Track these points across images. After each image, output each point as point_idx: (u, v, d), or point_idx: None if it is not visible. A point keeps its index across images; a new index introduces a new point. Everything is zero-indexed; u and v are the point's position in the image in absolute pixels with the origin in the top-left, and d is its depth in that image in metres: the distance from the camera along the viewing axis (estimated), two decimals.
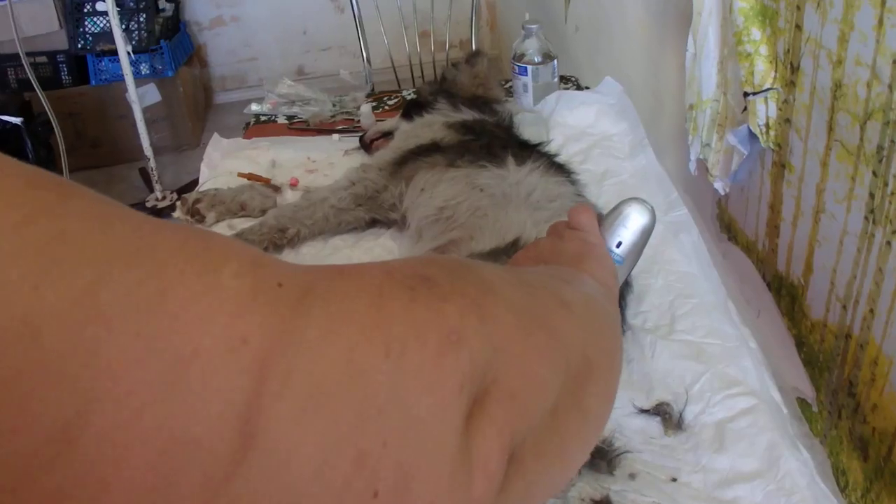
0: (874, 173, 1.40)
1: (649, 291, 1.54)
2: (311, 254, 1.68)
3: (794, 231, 1.76)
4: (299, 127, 2.22)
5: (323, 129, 2.17)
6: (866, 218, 1.46)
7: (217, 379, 0.38)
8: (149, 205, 4.30)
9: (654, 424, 1.33)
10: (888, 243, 1.39)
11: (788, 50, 1.63)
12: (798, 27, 1.57)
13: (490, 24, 5.26)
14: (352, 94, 2.29)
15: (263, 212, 1.79)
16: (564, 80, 2.24)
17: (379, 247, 1.71)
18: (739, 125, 1.86)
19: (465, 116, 1.87)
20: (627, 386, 1.38)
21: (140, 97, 4.14)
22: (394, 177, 1.73)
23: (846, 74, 1.43)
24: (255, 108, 2.29)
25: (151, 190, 4.33)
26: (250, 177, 1.87)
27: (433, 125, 1.82)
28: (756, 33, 1.72)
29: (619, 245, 0.98)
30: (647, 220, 1.00)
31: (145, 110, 4.22)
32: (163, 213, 4.28)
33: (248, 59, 5.48)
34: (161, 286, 0.39)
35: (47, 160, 3.76)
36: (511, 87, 2.21)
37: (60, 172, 3.62)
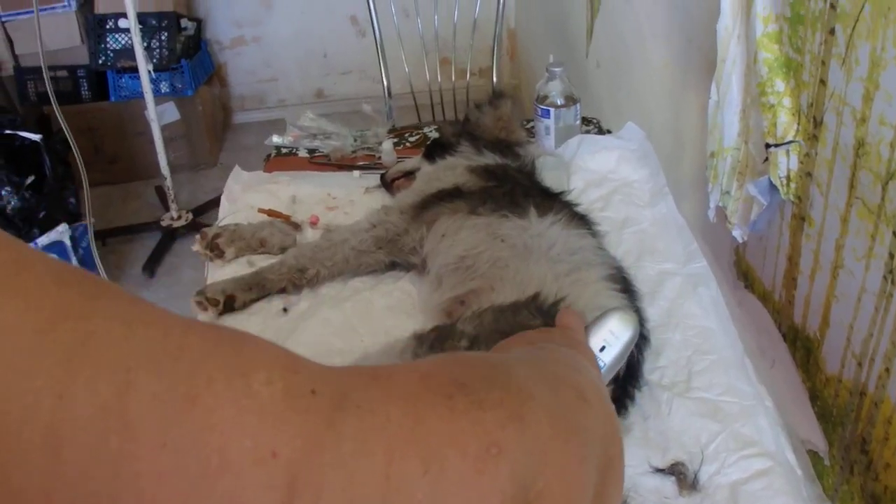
0: (894, 234, 1.40)
1: (667, 346, 1.53)
2: (331, 295, 1.68)
3: (812, 285, 1.75)
4: (320, 161, 2.21)
5: (344, 165, 2.16)
6: (885, 277, 1.45)
7: (245, 494, 0.37)
8: (164, 223, 4.31)
9: (668, 484, 1.33)
10: None
11: (812, 104, 1.63)
12: (822, 82, 1.58)
13: (510, 52, 5.28)
14: (373, 129, 2.29)
15: (283, 249, 1.79)
16: (586, 121, 2.24)
17: (398, 290, 1.70)
18: (760, 176, 1.86)
19: (488, 160, 1.87)
20: (643, 444, 1.37)
21: (159, 115, 4.15)
22: (415, 220, 1.72)
23: (870, 133, 1.43)
24: (276, 139, 2.29)
25: (167, 209, 4.33)
26: (271, 213, 1.87)
27: (456, 168, 1.82)
28: (780, 85, 1.72)
29: (602, 349, 1.01)
30: (631, 332, 1.03)
31: (164, 128, 4.23)
32: (177, 231, 4.29)
33: (267, 79, 5.48)
34: (189, 393, 0.38)
35: (65, 176, 3.77)
36: (533, 127, 2.21)
37: (79, 188, 3.64)
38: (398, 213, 1.74)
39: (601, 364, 1.00)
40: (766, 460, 1.36)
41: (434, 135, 2.35)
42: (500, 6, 3.55)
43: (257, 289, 1.66)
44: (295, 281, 1.68)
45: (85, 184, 3.45)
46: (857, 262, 1.55)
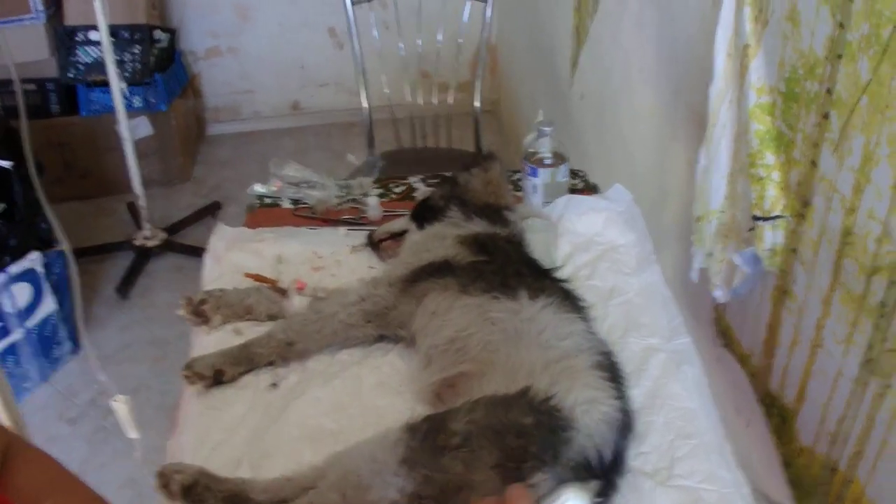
0: (875, 326, 1.42)
1: (650, 430, 1.55)
2: (319, 370, 1.68)
3: (791, 357, 1.78)
4: (304, 214, 2.20)
5: (328, 219, 2.15)
6: (862, 365, 1.48)
7: None
8: (137, 243, 4.28)
9: None
10: (881, 394, 1.42)
11: (801, 182, 1.65)
12: (814, 164, 1.60)
13: (491, 67, 5.26)
14: (358, 180, 2.29)
15: (270, 316, 1.79)
16: (573, 174, 2.25)
17: (387, 365, 1.71)
18: (745, 243, 1.87)
19: (477, 228, 1.87)
20: None
21: (131, 130, 4.11)
22: (404, 294, 1.73)
23: (857, 224, 1.45)
24: (258, 189, 2.28)
25: (140, 226, 4.29)
26: (257, 278, 1.86)
27: (445, 239, 1.82)
28: (770, 158, 1.74)
29: None
30: None
31: (136, 143, 4.18)
32: (151, 251, 4.26)
33: (243, 91, 5.44)
34: None
35: (36, 202, 3.70)
36: (519, 182, 2.22)
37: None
38: (387, 286, 1.74)
39: None
40: None
41: (419, 186, 2.35)
42: (486, 21, 3.55)
43: (246, 363, 1.66)
44: (283, 354, 1.69)
45: (44, 202, 3.33)
46: (836, 344, 1.58)
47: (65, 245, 3.19)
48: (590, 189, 2.36)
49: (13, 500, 0.87)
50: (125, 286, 4.11)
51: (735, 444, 1.73)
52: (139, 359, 3.75)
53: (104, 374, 2.29)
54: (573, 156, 2.21)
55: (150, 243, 4.27)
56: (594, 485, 1.37)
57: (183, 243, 4.35)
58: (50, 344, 3.62)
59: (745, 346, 2.05)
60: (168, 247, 4.29)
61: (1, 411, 1.89)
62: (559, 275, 1.83)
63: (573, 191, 2.22)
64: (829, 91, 1.52)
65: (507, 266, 1.73)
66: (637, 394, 1.63)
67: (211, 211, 4.59)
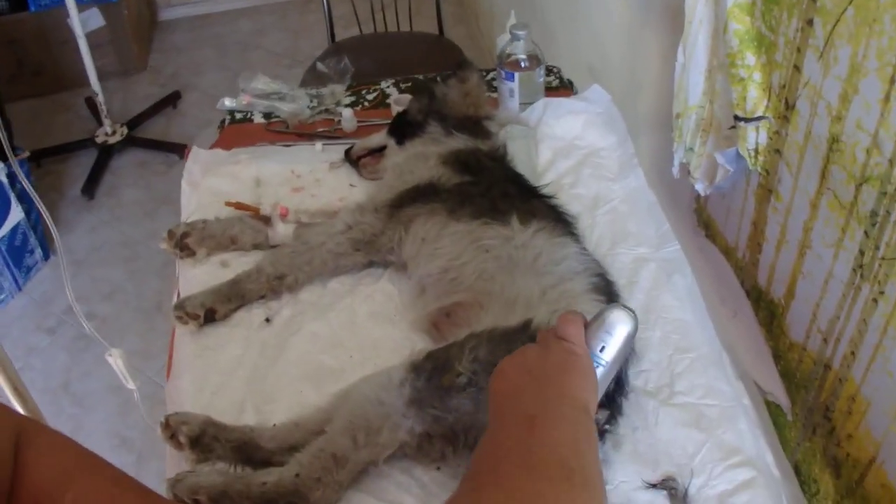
0: (866, 233, 1.43)
1: (648, 346, 1.57)
2: (311, 301, 1.67)
3: (778, 255, 1.79)
4: (278, 129, 2.15)
5: (303, 133, 2.10)
6: (854, 270, 1.49)
7: None
8: (99, 140, 4.19)
9: (660, 499, 1.39)
10: (874, 300, 1.43)
11: (785, 85, 1.63)
12: (797, 68, 1.57)
13: None
14: (330, 88, 2.22)
15: (255, 245, 1.77)
16: (547, 71, 2.20)
17: (379, 292, 1.70)
18: (725, 139, 1.86)
19: (459, 144, 1.84)
20: (634, 458, 1.42)
21: (83, 23, 3.97)
22: (391, 220, 1.71)
23: (845, 133, 1.44)
24: (228, 103, 2.21)
25: (100, 122, 4.19)
26: (238, 206, 1.82)
27: (428, 159, 1.79)
28: (751, 58, 1.71)
29: (602, 349, 1.06)
30: (630, 328, 1.08)
31: (88, 36, 4.05)
32: (113, 148, 4.17)
33: None
34: None
35: None
36: (494, 82, 2.17)
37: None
38: (373, 212, 1.72)
39: (602, 364, 1.05)
40: (750, 470, 1.42)
41: (392, 92, 2.29)
42: None
43: (237, 299, 1.65)
44: (274, 288, 1.67)
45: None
46: (825, 248, 1.58)
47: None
48: (565, 87, 2.32)
49: (35, 492, 0.83)
50: (90, 186, 4.05)
51: (723, 335, 1.77)
52: (111, 261, 3.72)
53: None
54: (543, 49, 2.16)
55: (112, 140, 4.19)
56: (602, 415, 1.39)
57: (145, 137, 4.27)
58: (21, 253, 3.58)
59: (730, 240, 2.05)
60: (130, 142, 4.21)
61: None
62: (545, 191, 1.81)
63: (548, 89, 2.18)
64: None
65: (494, 187, 1.71)
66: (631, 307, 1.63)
67: (171, 101, 4.49)
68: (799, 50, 1.55)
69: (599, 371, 1.05)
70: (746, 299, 2.00)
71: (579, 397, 0.97)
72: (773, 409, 1.88)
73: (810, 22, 1.50)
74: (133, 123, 4.28)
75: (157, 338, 3.34)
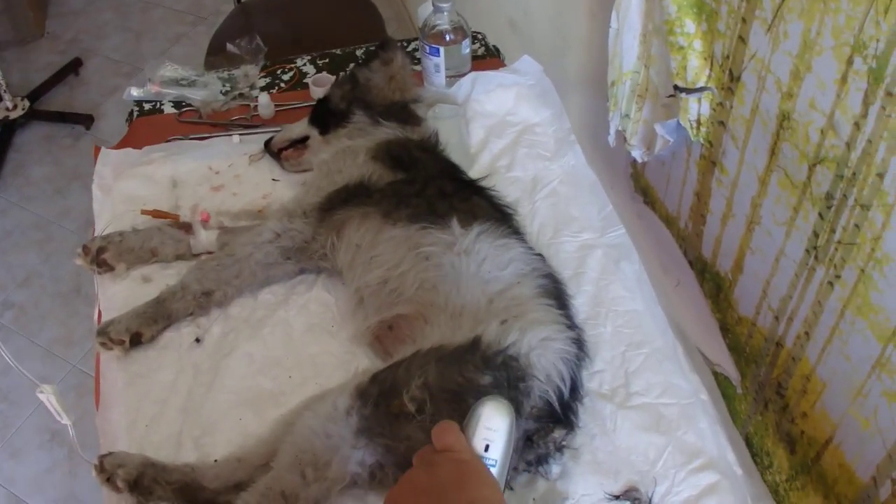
0: (821, 215, 1.39)
1: (601, 343, 1.52)
2: (242, 317, 1.58)
3: (724, 228, 1.75)
4: (191, 120, 2.02)
5: (219, 123, 1.98)
6: (808, 251, 1.46)
7: None
8: None
9: None
10: (830, 283, 1.40)
11: (728, 56, 1.57)
12: (742, 40, 1.52)
13: None
14: (242, 69, 2.10)
15: (178, 256, 1.66)
16: (472, 38, 2.11)
17: (314, 301, 1.60)
18: (668, 115, 1.81)
19: (388, 134, 1.74)
20: (594, 468, 1.38)
21: None
22: (322, 224, 1.61)
23: (797, 111, 1.39)
24: (135, 93, 2.06)
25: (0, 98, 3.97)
26: (156, 214, 1.70)
27: (357, 155, 1.68)
28: (690, 26, 1.65)
29: (487, 448, 1.05)
30: (509, 419, 1.07)
31: None
32: (15, 123, 3.96)
33: None
34: None
35: None
36: (416, 54, 2.08)
37: None
38: (302, 217, 1.62)
39: (491, 463, 1.04)
40: (713, 473, 1.39)
41: (309, 70, 2.18)
42: None
43: (163, 320, 1.54)
44: (202, 305, 1.57)
45: None
46: (776, 225, 1.54)
47: None
48: (492, 55, 2.23)
49: None
50: None
51: (666, 305, 1.73)
52: (24, 245, 3.54)
53: None
54: (463, 10, 2.06)
55: (14, 115, 3.96)
56: (559, 433, 1.34)
57: (48, 110, 4.05)
58: None
59: (671, 209, 2.01)
60: (33, 115, 3.99)
61: None
62: (482, 181, 1.73)
63: (475, 59, 2.09)
64: None
65: (430, 184, 1.61)
66: (581, 302, 1.58)
67: (72, 69, 4.27)
68: (744, 20, 1.49)
69: (494, 470, 1.03)
70: (690, 269, 1.96)
71: (485, 499, 0.95)
72: (721, 381, 1.85)
73: None
74: (34, 95, 4.05)
75: (78, 323, 3.22)
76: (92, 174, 1.86)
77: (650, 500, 1.34)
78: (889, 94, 1.16)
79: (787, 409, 1.62)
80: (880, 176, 1.21)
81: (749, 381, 1.78)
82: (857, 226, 1.30)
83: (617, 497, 1.35)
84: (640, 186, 2.17)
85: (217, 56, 2.30)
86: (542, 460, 1.33)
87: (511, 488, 1.34)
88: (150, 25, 4.59)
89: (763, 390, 1.71)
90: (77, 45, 4.48)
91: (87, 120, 3.98)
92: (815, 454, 1.53)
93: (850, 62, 1.23)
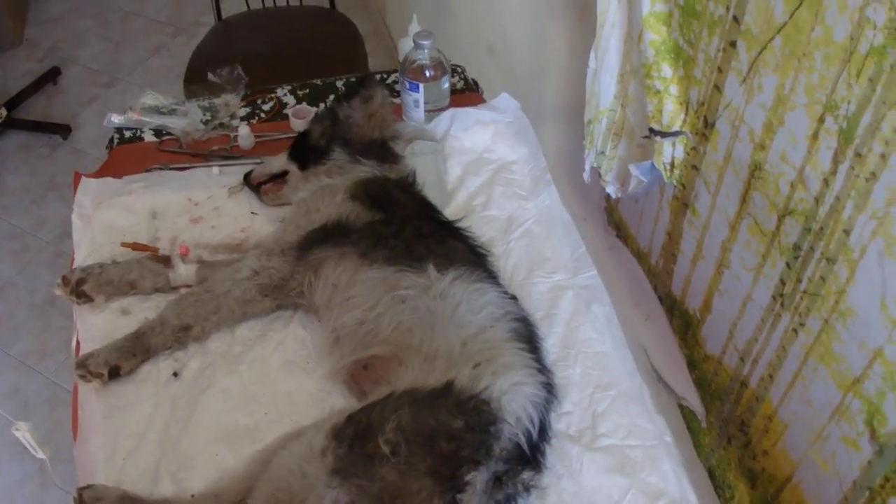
0: (788, 265, 1.43)
1: (570, 385, 1.55)
2: (220, 352, 1.60)
3: (694, 268, 1.78)
4: (171, 149, 2.03)
5: (199, 154, 2.00)
6: (774, 298, 1.49)
7: None
8: None
9: None
10: (794, 331, 1.44)
11: (704, 103, 1.61)
12: (718, 88, 1.55)
13: None
14: (223, 98, 2.11)
15: (156, 289, 1.68)
16: (452, 71, 2.13)
17: (291, 338, 1.63)
18: (643, 156, 1.85)
19: (366, 173, 1.77)
20: None
21: None
22: (300, 262, 1.64)
23: (769, 162, 1.43)
24: (115, 120, 2.07)
25: None
26: (136, 247, 1.72)
27: (335, 194, 1.71)
28: (667, 70, 1.69)
29: None
30: None
31: None
32: None
33: None
34: None
35: None
36: (396, 86, 2.10)
37: None
38: (280, 255, 1.64)
39: None
40: None
41: (289, 101, 2.20)
42: None
43: (142, 353, 1.56)
44: (180, 339, 1.59)
45: None
46: (745, 271, 1.58)
47: None
48: (471, 89, 2.25)
49: None
50: None
51: (637, 338, 1.75)
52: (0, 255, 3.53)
53: None
54: (439, 27, 2.08)
55: None
56: (527, 474, 1.36)
57: (26, 119, 4.02)
58: None
59: (642, 244, 2.05)
60: (10, 124, 3.96)
61: None
62: (459, 223, 1.76)
63: (453, 92, 2.11)
64: (735, 19, 1.45)
65: (407, 225, 1.64)
66: (551, 344, 1.61)
67: (50, 78, 4.24)
68: (720, 70, 1.53)
69: None
70: (660, 305, 2.00)
71: None
72: (686, 414, 1.89)
73: (733, 44, 1.48)
74: (12, 104, 4.03)
75: (53, 335, 3.20)
76: (69, 184, 1.89)
77: None
78: (858, 154, 1.19)
79: (749, 445, 1.66)
80: (846, 232, 1.25)
81: (714, 416, 1.81)
82: (822, 278, 1.33)
83: None
84: (614, 220, 2.20)
85: (198, 84, 2.31)
86: (510, 500, 1.36)
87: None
88: (130, 35, 4.57)
89: (727, 426, 1.75)
90: (55, 54, 4.46)
91: (64, 130, 3.96)
92: (775, 491, 1.57)
93: (821, 120, 1.27)
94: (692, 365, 1.87)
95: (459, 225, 1.73)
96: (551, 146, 2.26)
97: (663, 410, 1.60)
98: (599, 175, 2.03)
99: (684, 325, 1.88)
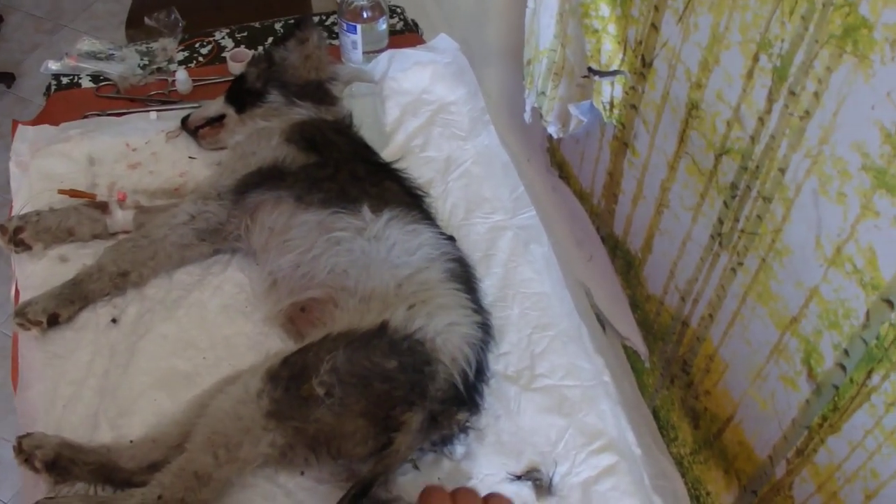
0: (725, 204, 1.44)
1: (508, 325, 1.56)
2: (158, 297, 1.59)
3: (635, 208, 1.79)
4: (109, 95, 2.01)
5: (136, 99, 1.97)
6: (713, 237, 1.50)
7: None
8: None
9: (526, 490, 1.39)
10: (733, 270, 1.45)
11: (641, 42, 1.61)
12: (655, 27, 1.55)
13: None
14: (160, 42, 2.08)
15: (95, 235, 1.67)
16: (390, 11, 2.11)
17: (229, 282, 1.62)
18: (582, 96, 1.84)
19: (302, 115, 1.76)
20: (498, 449, 1.42)
21: None
22: (236, 206, 1.63)
23: (705, 101, 1.43)
24: (53, 66, 2.04)
25: None
26: (73, 193, 1.70)
27: (271, 137, 1.69)
28: (605, 9, 1.68)
29: None
30: None
31: None
32: None
33: None
34: None
35: None
36: (335, 27, 2.08)
37: None
38: (217, 200, 1.63)
39: None
40: (612, 455, 1.44)
41: (227, 44, 2.17)
42: None
43: (80, 300, 1.55)
44: (118, 285, 1.58)
45: None
46: (684, 210, 1.59)
47: None
48: (410, 30, 2.23)
49: None
50: None
51: (580, 278, 1.75)
52: None
53: None
54: None
55: None
56: (462, 416, 1.37)
57: None
58: None
59: (584, 185, 2.05)
60: None
61: None
62: (395, 164, 1.75)
63: (393, 34, 2.09)
64: None
65: (342, 168, 1.64)
66: (489, 284, 1.61)
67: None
68: (657, 9, 1.53)
69: None
70: (602, 245, 2.00)
71: None
72: (630, 354, 1.90)
73: None
74: None
75: None
76: (12, 134, 1.86)
77: (551, 480, 1.40)
78: (792, 93, 1.20)
79: (691, 385, 1.68)
80: (782, 171, 1.26)
81: (657, 356, 1.83)
82: (759, 217, 1.34)
83: (519, 477, 1.40)
84: (557, 161, 2.20)
85: (136, 29, 2.27)
86: (447, 441, 1.38)
87: (417, 468, 1.39)
88: None
89: (670, 366, 1.76)
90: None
91: (8, 78, 3.87)
92: (717, 430, 1.59)
93: (756, 59, 1.26)
94: (635, 305, 1.88)
95: (396, 167, 1.73)
96: (493, 88, 2.25)
97: (603, 351, 1.62)
98: (541, 116, 2.02)
99: (626, 265, 1.89)
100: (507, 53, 2.26)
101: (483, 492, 0.81)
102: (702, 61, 1.42)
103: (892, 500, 1.13)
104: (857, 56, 1.06)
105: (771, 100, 1.25)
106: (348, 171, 1.62)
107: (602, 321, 1.94)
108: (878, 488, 1.17)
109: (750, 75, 1.29)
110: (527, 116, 2.04)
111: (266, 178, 1.63)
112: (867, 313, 1.13)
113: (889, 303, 1.09)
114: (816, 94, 1.15)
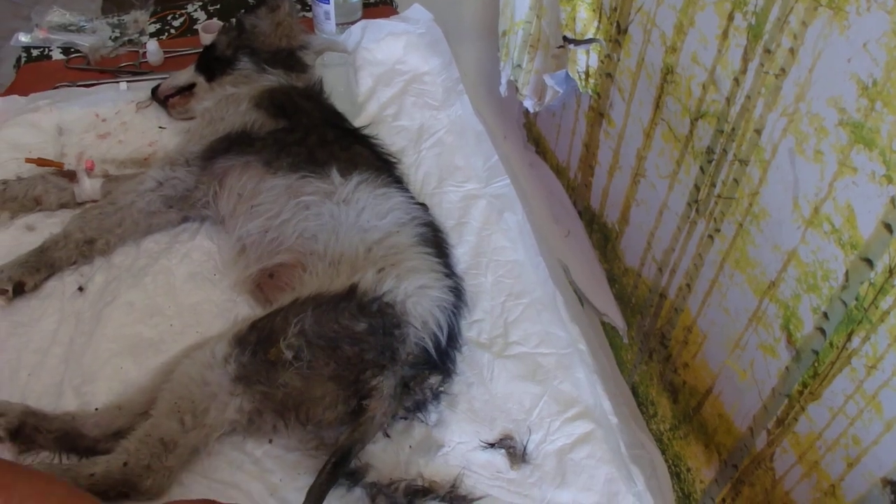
0: (702, 169, 1.42)
1: (481, 293, 1.54)
2: (126, 265, 1.57)
3: (611, 180, 1.77)
4: (79, 66, 1.98)
5: (106, 70, 1.94)
6: (689, 205, 1.48)
7: None
8: None
9: (499, 458, 1.37)
10: (710, 237, 1.43)
11: (616, 9, 1.59)
12: None
13: None
14: (132, 14, 2.06)
15: (62, 205, 1.65)
16: None
17: (197, 250, 1.60)
18: (557, 67, 1.82)
19: (272, 82, 1.73)
20: (471, 417, 1.40)
21: None
22: (204, 172, 1.60)
23: (680, 65, 1.41)
24: (23, 38, 2.01)
25: None
26: (40, 162, 1.67)
27: (239, 103, 1.67)
28: None
29: None
30: None
31: None
32: None
33: None
34: None
35: None
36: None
37: None
38: (185, 166, 1.61)
39: None
40: (588, 422, 1.42)
41: (200, 16, 2.14)
42: None
43: (46, 269, 1.53)
44: (85, 253, 1.56)
45: None
46: (660, 178, 1.57)
47: None
48: (384, 1, 2.21)
49: None
50: None
51: (557, 255, 1.73)
52: None
53: None
54: None
55: None
56: (434, 379, 1.35)
57: None
58: None
59: (561, 159, 2.03)
60: None
61: None
62: (365, 130, 1.73)
63: (366, 5, 2.08)
64: None
65: (312, 132, 1.61)
66: (462, 252, 1.59)
67: None
68: None
69: None
70: (579, 220, 1.98)
71: None
72: (608, 330, 1.88)
73: None
74: None
75: None
76: None
77: (524, 448, 1.37)
78: (767, 51, 1.18)
79: (670, 359, 1.66)
80: (758, 132, 1.24)
81: (635, 331, 1.81)
82: (735, 180, 1.32)
83: (492, 445, 1.37)
84: (533, 136, 2.19)
85: (110, 2, 2.25)
86: (419, 407, 1.35)
87: (388, 435, 1.36)
88: None
89: (648, 340, 1.75)
90: None
91: None
92: (697, 404, 1.57)
93: (730, 18, 1.25)
94: (612, 279, 1.86)
95: (366, 133, 1.71)
96: (470, 62, 2.23)
97: (579, 320, 1.60)
98: (517, 89, 2.00)
99: (603, 238, 1.87)
100: (483, 29, 2.24)
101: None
102: (676, 24, 1.40)
103: (873, 467, 1.11)
104: (833, 8, 1.04)
105: (746, 59, 1.23)
106: (317, 136, 1.60)
107: (580, 297, 1.92)
108: (859, 455, 1.14)
109: (725, 35, 1.27)
110: (502, 89, 2.02)
111: (234, 144, 1.60)
112: (846, 274, 1.11)
113: (868, 262, 1.07)
114: (792, 51, 1.13)
